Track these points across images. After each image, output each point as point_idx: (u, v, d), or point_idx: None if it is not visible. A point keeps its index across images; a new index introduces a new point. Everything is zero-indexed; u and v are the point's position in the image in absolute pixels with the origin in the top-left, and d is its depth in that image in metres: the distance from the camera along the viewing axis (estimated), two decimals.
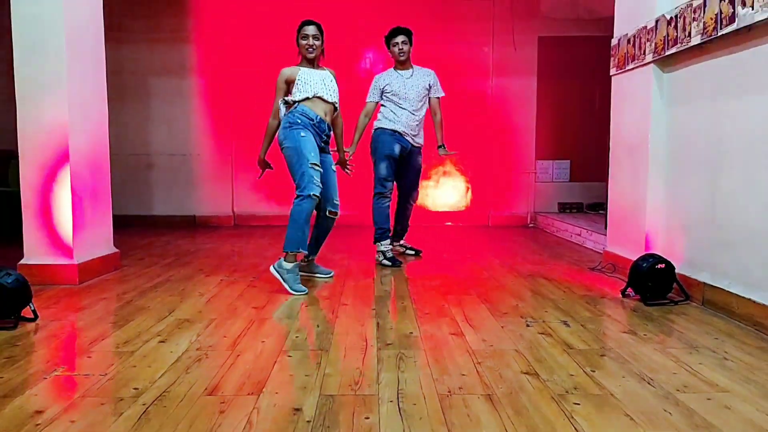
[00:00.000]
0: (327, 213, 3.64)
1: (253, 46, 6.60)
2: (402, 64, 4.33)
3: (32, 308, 2.74)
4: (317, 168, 3.37)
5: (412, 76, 4.33)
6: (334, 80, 3.60)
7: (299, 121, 3.41)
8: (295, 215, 3.34)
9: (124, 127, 6.62)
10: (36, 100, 3.50)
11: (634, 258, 3.62)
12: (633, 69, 3.67)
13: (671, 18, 3.23)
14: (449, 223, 6.78)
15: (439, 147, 4.47)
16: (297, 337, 2.54)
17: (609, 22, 6.07)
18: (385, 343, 2.44)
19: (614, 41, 3.96)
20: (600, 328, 2.69)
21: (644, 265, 3.11)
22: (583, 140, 6.65)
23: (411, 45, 4.32)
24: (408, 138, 4.31)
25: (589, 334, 2.60)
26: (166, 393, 1.92)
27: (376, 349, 2.38)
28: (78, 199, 3.62)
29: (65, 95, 3.50)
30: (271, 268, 3.42)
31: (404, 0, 6.57)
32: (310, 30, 3.49)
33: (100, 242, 3.88)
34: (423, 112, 4.39)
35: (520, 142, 6.71)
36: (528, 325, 2.72)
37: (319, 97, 3.47)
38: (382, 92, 4.32)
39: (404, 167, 4.42)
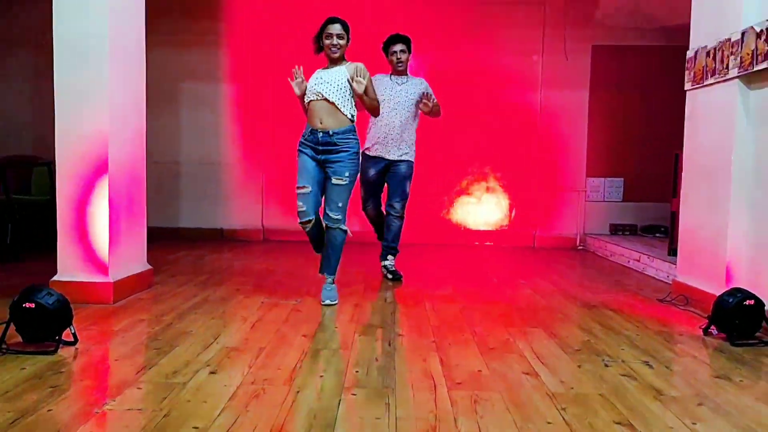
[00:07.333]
0: (324, 225, 3.45)
1: (288, 52, 5.97)
2: (399, 74, 4.18)
3: (73, 331, 2.57)
4: (302, 190, 3.36)
5: (405, 83, 4.17)
6: (346, 76, 3.30)
7: (301, 140, 3.44)
8: None
9: (150, 133, 6.31)
10: (76, 109, 3.34)
11: (711, 290, 3.35)
12: (713, 84, 3.41)
13: (761, 30, 2.97)
14: (490, 243, 6.45)
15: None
16: (357, 372, 2.33)
17: (670, 31, 5.84)
18: (454, 383, 2.22)
19: (690, 53, 3.69)
20: (688, 371, 2.44)
21: (731, 300, 2.83)
22: (638, 157, 6.26)
23: (410, 53, 4.16)
24: (384, 154, 4.11)
25: (678, 378, 2.35)
26: None
27: (446, 388, 2.16)
28: (115, 212, 3.43)
29: (106, 104, 3.34)
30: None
31: (444, 3, 6.22)
32: (335, 29, 3.30)
33: (134, 258, 3.69)
34: (409, 124, 4.15)
35: (569, 159, 6.36)
36: (606, 365, 2.47)
37: (315, 100, 3.31)
38: None
39: (387, 180, 4.25)
